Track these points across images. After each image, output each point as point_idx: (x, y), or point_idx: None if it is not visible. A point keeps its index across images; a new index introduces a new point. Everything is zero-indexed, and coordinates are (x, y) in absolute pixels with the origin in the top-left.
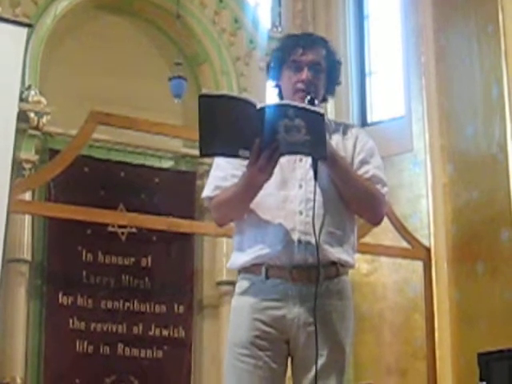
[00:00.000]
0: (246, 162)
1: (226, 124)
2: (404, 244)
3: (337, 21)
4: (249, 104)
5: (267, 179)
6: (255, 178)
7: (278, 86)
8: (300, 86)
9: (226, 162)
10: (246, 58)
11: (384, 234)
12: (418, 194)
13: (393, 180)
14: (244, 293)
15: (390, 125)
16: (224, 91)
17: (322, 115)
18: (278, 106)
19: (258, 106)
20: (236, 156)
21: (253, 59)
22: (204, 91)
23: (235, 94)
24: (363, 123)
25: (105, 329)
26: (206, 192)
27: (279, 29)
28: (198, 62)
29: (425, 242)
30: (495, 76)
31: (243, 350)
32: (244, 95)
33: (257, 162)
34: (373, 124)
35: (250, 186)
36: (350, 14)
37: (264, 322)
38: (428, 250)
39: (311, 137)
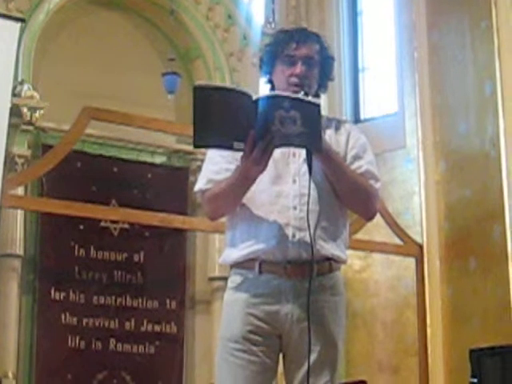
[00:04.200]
0: (239, 156)
1: (220, 116)
2: (396, 240)
3: (330, 17)
4: (244, 95)
5: (261, 171)
6: (249, 170)
7: (270, 81)
8: (294, 79)
9: (219, 156)
10: (240, 54)
11: (376, 230)
12: (411, 191)
13: (385, 177)
14: (237, 288)
15: (382, 121)
16: (219, 83)
17: (318, 106)
18: (273, 98)
19: (254, 97)
20: (230, 148)
21: (246, 55)
22: (199, 82)
23: (230, 85)
24: (356, 119)
25: (97, 324)
26: (199, 185)
27: (273, 25)
28: (191, 57)
29: (417, 238)
30: (488, 72)
31: (236, 345)
32: (239, 87)
33: (251, 154)
34: (366, 120)
35: (244, 179)
36: (343, 10)
37: (257, 317)
38: (420, 246)
39: (306, 128)
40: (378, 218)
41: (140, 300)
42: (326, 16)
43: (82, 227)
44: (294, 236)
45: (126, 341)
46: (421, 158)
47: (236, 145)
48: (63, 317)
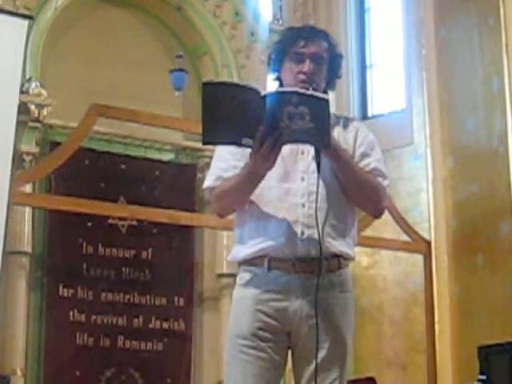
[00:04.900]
0: (247, 154)
1: (229, 112)
2: (404, 237)
3: (338, 13)
4: (253, 91)
5: (270, 168)
6: (258, 166)
7: (278, 78)
8: (302, 77)
9: (228, 153)
10: (247, 51)
11: (384, 227)
12: (419, 188)
13: (393, 173)
14: (246, 284)
15: (390, 118)
16: (227, 79)
17: (327, 100)
18: (282, 93)
19: (262, 93)
20: (239, 144)
21: (254, 52)
22: (208, 78)
23: (239, 81)
24: (364, 116)
25: (105, 321)
26: (208, 182)
27: (280, 22)
28: (198, 54)
29: (425, 235)
30: (496, 69)
31: (246, 342)
32: (248, 83)
33: (260, 150)
34: (373, 117)
35: (253, 175)
36: (350, 6)
37: (266, 314)
38: (428, 243)
39: (315, 124)
40: (385, 215)
41: (148, 297)
42: (334, 12)
43: (90, 224)
44: (302, 233)
45: (134, 338)
46: (428, 155)
47: (245, 141)
48: (71, 314)
